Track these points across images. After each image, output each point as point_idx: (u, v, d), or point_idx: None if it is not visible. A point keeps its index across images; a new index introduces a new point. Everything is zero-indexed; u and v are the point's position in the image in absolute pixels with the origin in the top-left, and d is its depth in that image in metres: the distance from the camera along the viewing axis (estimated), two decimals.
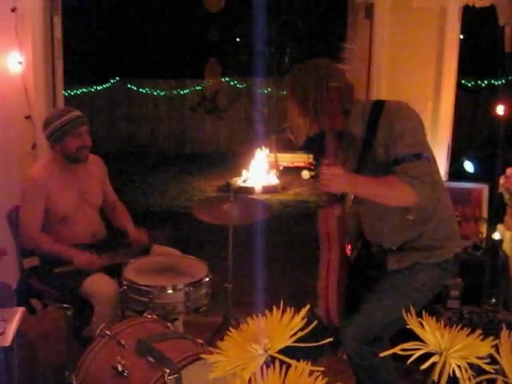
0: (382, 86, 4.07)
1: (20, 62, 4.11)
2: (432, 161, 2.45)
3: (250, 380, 0.77)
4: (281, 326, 0.85)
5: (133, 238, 3.49)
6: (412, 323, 1.00)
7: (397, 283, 2.52)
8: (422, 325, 1.01)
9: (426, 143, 2.47)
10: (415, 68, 4.04)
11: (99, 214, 3.64)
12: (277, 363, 0.78)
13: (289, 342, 0.83)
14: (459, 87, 4.25)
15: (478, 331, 1.01)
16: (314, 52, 11.55)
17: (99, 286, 3.14)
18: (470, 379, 0.97)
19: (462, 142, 4.76)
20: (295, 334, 0.84)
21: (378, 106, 2.53)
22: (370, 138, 2.49)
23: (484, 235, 3.73)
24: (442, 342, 0.99)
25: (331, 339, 1.11)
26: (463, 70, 4.47)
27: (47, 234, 3.31)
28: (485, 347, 0.98)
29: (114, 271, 3.22)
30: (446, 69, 3.99)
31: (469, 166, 3.91)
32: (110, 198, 3.71)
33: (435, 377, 0.97)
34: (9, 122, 4.23)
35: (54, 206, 3.31)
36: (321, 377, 0.75)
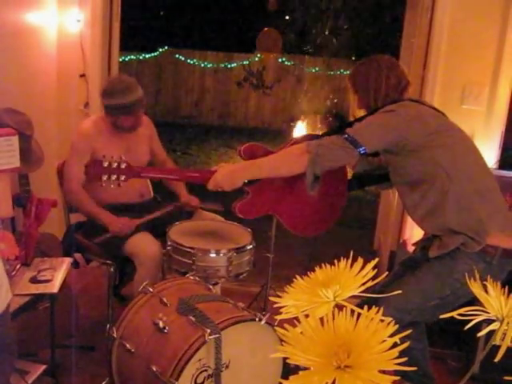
0: (438, 69, 3.99)
1: (78, 20, 4.16)
2: (358, 147, 2.43)
3: (321, 321, 0.77)
4: (351, 275, 0.85)
5: (184, 201, 3.53)
6: (474, 286, 0.98)
7: (437, 269, 2.50)
8: (486, 289, 0.99)
9: (369, 133, 2.47)
10: (474, 52, 3.95)
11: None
12: (348, 309, 0.79)
13: (358, 291, 0.84)
14: None
15: None
16: (368, 35, 11.41)
17: (143, 245, 3.19)
18: None
19: None
20: (365, 283, 0.84)
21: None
22: None
23: None
24: (504, 309, 0.98)
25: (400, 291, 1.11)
26: None
27: (96, 190, 3.36)
28: None
29: (159, 232, 3.26)
30: (506, 55, 3.89)
31: None
32: (160, 157, 3.75)
33: (496, 342, 0.96)
34: (63, 79, 4.30)
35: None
36: (392, 323, 0.75)
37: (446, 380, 3.26)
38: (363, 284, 0.84)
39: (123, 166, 2.62)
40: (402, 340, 0.77)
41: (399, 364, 0.74)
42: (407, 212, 2.72)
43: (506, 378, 0.87)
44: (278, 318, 0.84)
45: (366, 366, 0.70)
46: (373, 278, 0.86)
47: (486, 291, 1.01)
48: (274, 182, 2.72)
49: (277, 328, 0.78)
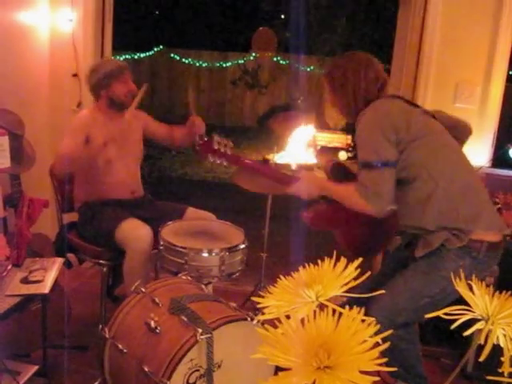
0: (431, 68, 4.00)
1: (71, 20, 4.15)
2: (390, 164, 2.46)
3: (302, 321, 0.77)
4: (334, 275, 0.85)
5: (191, 129, 3.56)
6: (460, 286, 0.98)
7: (424, 269, 2.49)
8: (471, 289, 0.99)
9: (382, 148, 2.47)
10: (466, 51, 3.95)
11: (139, 171, 3.70)
12: (330, 309, 0.78)
13: (340, 291, 0.83)
14: (508, 78, 4.14)
15: None
16: (362, 33, 11.41)
17: (133, 230, 3.19)
18: None
19: (508, 130, 4.68)
20: (348, 283, 0.84)
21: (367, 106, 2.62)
22: None
23: None
24: (489, 308, 0.97)
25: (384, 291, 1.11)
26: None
27: (89, 186, 3.39)
28: None
29: (152, 231, 3.25)
30: (499, 54, 3.90)
31: None
32: (164, 130, 3.77)
33: (481, 341, 0.95)
34: (56, 79, 4.29)
35: (96, 149, 3.33)
36: (373, 324, 0.75)
37: (439, 378, 3.25)
38: (346, 284, 0.84)
39: (228, 151, 2.97)
40: (394, 340, 0.77)
41: (381, 364, 0.73)
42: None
43: (489, 377, 0.86)
44: (261, 318, 0.84)
45: (346, 367, 0.70)
46: (356, 278, 0.86)
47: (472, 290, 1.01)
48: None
49: (258, 329, 0.77)
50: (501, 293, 1.01)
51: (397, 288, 2.52)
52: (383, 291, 1.28)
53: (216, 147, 2.91)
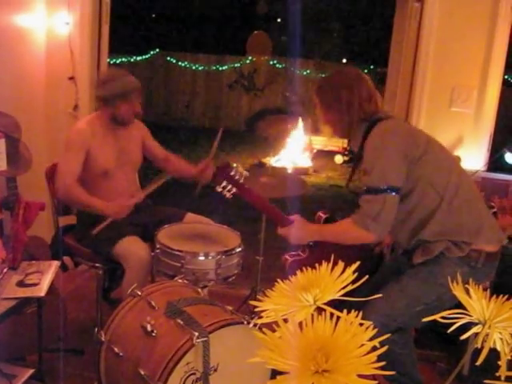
0: (427, 72, 4.01)
1: (67, 23, 4.15)
2: (395, 191, 2.43)
3: (300, 325, 0.77)
4: (331, 279, 0.85)
5: (198, 174, 3.55)
6: (456, 290, 0.98)
7: (422, 275, 2.50)
8: (468, 292, 0.99)
9: (390, 173, 2.45)
10: (462, 56, 3.97)
11: (137, 176, 3.70)
12: (327, 313, 0.79)
13: (338, 295, 0.84)
14: (503, 82, 4.16)
15: None
16: (359, 37, 11.44)
17: (132, 249, 3.18)
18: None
19: (504, 134, 4.70)
20: (345, 287, 0.84)
21: (372, 126, 2.57)
22: (361, 156, 2.58)
23: None
24: (486, 312, 0.98)
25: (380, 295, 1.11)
26: (508, 65, 4.35)
27: (89, 191, 3.34)
28: None
29: (148, 235, 3.25)
30: (495, 58, 3.92)
31: (510, 158, 3.86)
32: (160, 153, 3.73)
33: (478, 345, 0.96)
34: (52, 82, 4.29)
35: (94, 161, 3.33)
36: (371, 327, 0.75)
37: (435, 382, 3.26)
38: (343, 288, 0.84)
39: (241, 180, 2.82)
40: (389, 345, 0.77)
41: (378, 368, 0.74)
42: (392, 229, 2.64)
43: (487, 381, 0.86)
44: (259, 321, 0.84)
45: (344, 371, 0.70)
46: (353, 282, 0.86)
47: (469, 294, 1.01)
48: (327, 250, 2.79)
49: (256, 332, 0.77)
50: (497, 297, 1.01)
51: (393, 293, 2.52)
52: (379, 295, 1.27)
53: (233, 174, 2.83)
